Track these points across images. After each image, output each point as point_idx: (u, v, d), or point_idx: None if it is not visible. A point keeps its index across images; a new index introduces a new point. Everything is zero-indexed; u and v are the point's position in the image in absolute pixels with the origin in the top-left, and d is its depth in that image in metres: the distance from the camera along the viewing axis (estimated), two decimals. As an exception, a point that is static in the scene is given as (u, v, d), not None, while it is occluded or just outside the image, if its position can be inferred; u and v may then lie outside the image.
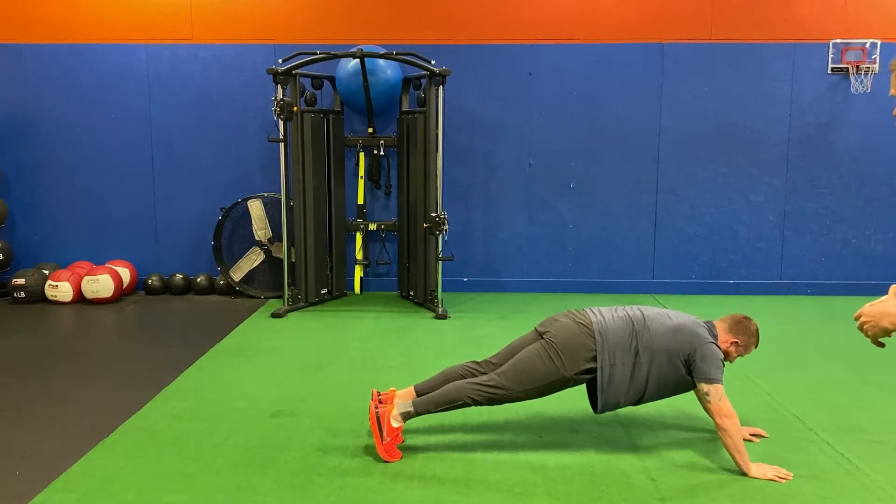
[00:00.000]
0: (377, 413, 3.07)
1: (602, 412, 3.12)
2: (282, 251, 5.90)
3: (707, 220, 6.38)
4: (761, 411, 3.68)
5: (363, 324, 5.43)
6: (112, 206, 6.43)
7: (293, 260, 5.93)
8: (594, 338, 3.02)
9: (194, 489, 2.83)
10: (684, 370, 3.01)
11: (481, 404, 3.08)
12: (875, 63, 6.05)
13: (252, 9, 6.28)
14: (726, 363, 3.09)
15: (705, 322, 3.11)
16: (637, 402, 3.12)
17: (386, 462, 3.03)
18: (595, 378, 3.04)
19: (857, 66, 6.07)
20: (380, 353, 4.65)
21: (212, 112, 6.31)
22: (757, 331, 3.18)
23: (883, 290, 1.99)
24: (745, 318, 3.18)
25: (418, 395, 3.19)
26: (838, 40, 6.11)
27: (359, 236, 6.28)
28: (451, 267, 6.26)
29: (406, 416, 3.10)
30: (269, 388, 3.98)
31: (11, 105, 6.32)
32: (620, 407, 3.12)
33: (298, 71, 5.67)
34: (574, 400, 3.74)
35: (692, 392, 3.09)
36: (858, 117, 6.21)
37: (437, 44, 6.15)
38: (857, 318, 1.94)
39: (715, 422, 2.94)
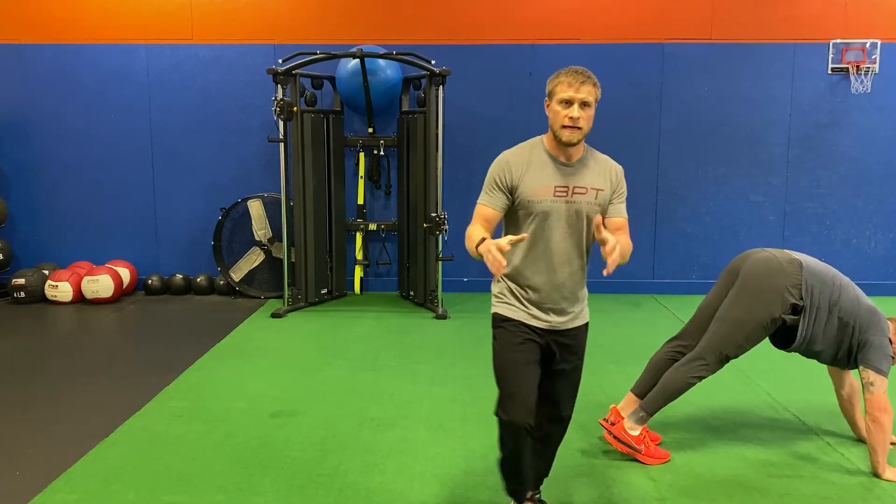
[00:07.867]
0: (615, 437, 3.07)
1: (792, 351, 3.04)
2: (282, 251, 5.90)
3: (707, 220, 6.38)
4: (761, 411, 3.68)
5: (363, 324, 5.43)
6: (112, 206, 6.43)
7: (293, 260, 5.93)
8: (800, 272, 2.92)
9: (194, 489, 2.83)
10: (845, 347, 2.96)
11: (707, 377, 3.03)
12: (875, 63, 6.06)
13: (252, 9, 6.28)
14: None
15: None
16: (806, 352, 3.04)
17: (650, 464, 3.03)
18: (798, 319, 2.93)
19: (857, 66, 6.07)
20: (380, 353, 4.65)
21: (212, 112, 6.31)
22: None
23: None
24: None
25: (640, 397, 3.17)
26: (838, 40, 6.11)
27: (359, 236, 6.28)
28: (451, 267, 6.25)
29: (641, 421, 3.07)
30: (269, 388, 3.98)
31: (11, 105, 6.32)
32: (808, 352, 3.02)
33: (298, 71, 5.67)
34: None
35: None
36: (858, 117, 6.21)
37: (437, 44, 6.15)
38: (603, 242, 2.04)
39: (870, 413, 2.89)
